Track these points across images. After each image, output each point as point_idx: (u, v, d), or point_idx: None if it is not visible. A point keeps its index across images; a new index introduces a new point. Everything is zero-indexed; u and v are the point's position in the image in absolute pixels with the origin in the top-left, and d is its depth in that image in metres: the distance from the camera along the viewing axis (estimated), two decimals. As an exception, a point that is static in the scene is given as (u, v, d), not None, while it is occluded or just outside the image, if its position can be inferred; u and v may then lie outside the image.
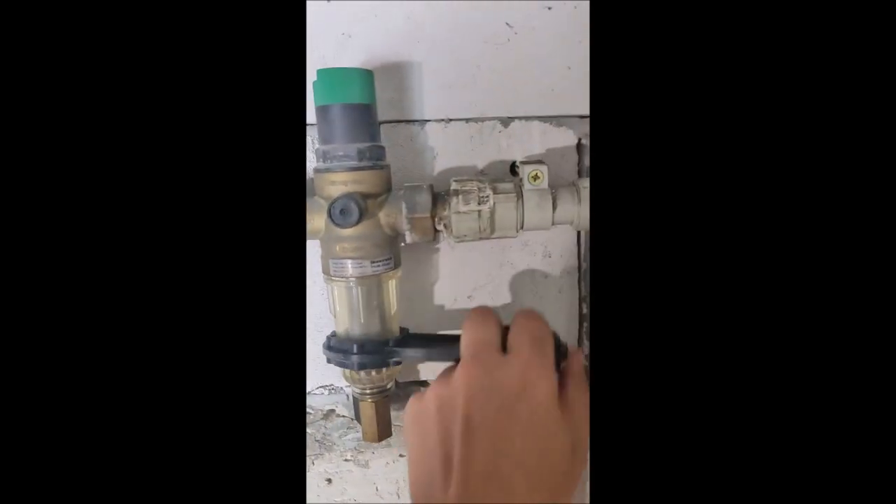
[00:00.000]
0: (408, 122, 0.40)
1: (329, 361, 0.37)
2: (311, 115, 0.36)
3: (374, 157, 0.34)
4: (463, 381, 0.29)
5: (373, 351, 0.35)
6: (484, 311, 0.32)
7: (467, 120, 0.40)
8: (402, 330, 0.38)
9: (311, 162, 0.39)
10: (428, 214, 0.34)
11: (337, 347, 0.36)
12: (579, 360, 0.33)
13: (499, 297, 0.44)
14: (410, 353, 0.36)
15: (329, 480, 0.45)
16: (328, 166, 0.34)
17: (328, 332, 0.38)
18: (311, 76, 0.34)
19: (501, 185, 0.35)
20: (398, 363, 0.37)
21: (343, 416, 0.44)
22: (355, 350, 0.35)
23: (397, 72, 0.38)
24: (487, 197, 0.34)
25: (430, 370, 0.45)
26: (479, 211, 0.34)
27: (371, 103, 0.34)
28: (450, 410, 0.29)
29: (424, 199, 0.34)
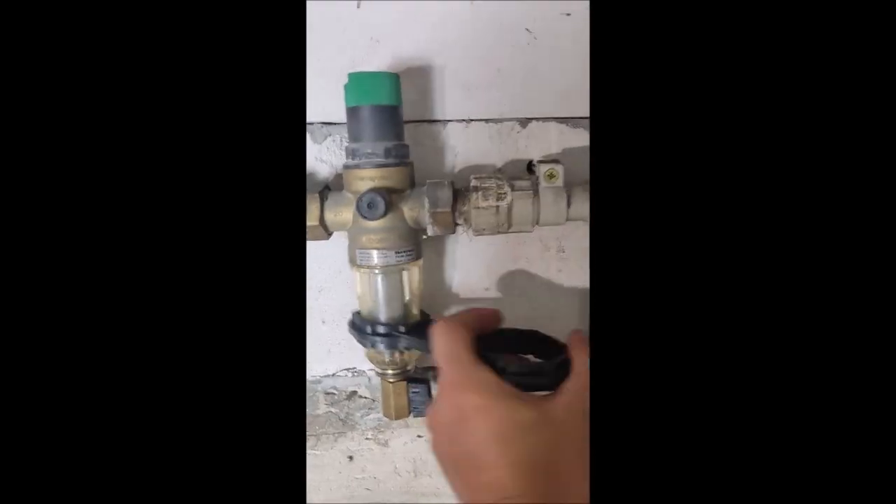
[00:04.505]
0: (431, 122, 0.42)
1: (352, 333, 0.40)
2: (341, 115, 0.38)
3: (400, 155, 0.37)
4: (428, 424, 0.32)
5: (385, 334, 0.38)
6: (441, 330, 0.32)
7: (487, 120, 0.42)
8: (424, 315, 0.41)
9: (341, 160, 0.42)
10: (449, 209, 0.37)
11: (358, 325, 0.39)
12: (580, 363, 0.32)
13: (514, 289, 0.46)
14: (416, 342, 0.37)
15: (350, 458, 0.48)
16: (357, 163, 0.36)
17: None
18: (343, 80, 0.36)
19: (518, 183, 0.37)
20: (408, 348, 0.39)
21: (365, 398, 0.47)
22: (370, 331, 0.38)
23: (422, 75, 0.41)
24: (505, 193, 0.37)
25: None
26: (497, 206, 0.36)
27: (398, 105, 0.37)
28: (434, 448, 0.32)
29: (446, 194, 0.37)
